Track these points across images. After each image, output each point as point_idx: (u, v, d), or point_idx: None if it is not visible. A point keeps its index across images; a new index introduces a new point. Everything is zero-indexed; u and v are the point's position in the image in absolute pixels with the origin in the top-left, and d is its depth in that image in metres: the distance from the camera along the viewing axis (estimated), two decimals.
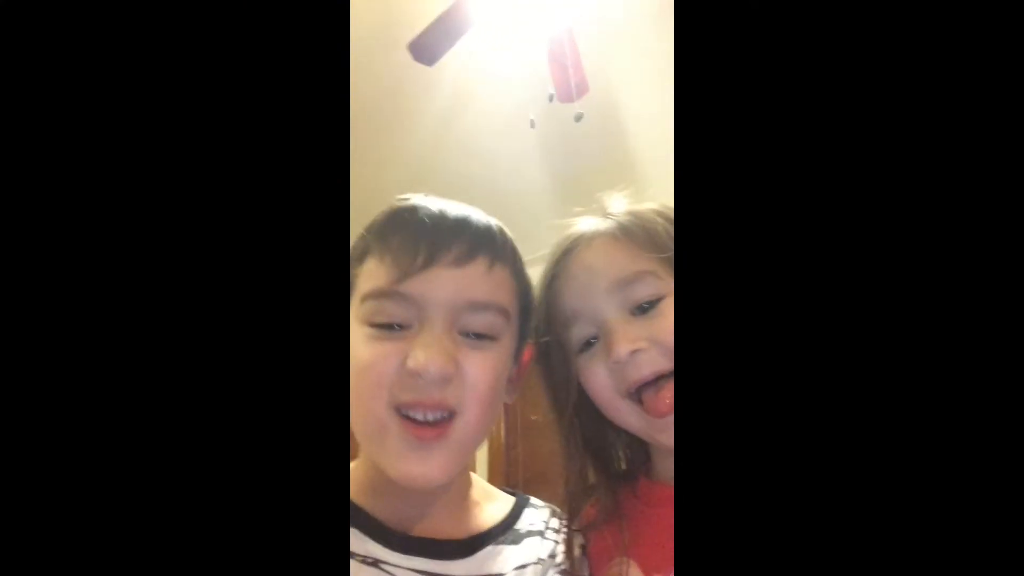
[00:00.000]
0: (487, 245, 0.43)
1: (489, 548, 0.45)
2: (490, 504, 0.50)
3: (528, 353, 0.50)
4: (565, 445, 0.50)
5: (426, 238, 0.41)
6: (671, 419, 0.43)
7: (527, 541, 0.47)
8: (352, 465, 0.48)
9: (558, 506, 0.52)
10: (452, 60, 1.64)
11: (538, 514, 0.51)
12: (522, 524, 0.49)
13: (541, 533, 0.49)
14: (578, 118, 1.55)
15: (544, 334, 0.49)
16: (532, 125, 1.65)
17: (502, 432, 2.44)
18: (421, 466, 0.40)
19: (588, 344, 0.47)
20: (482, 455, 2.42)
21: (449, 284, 0.41)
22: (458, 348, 0.41)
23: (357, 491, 0.44)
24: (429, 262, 0.40)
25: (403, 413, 0.40)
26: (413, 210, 0.43)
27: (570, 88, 1.58)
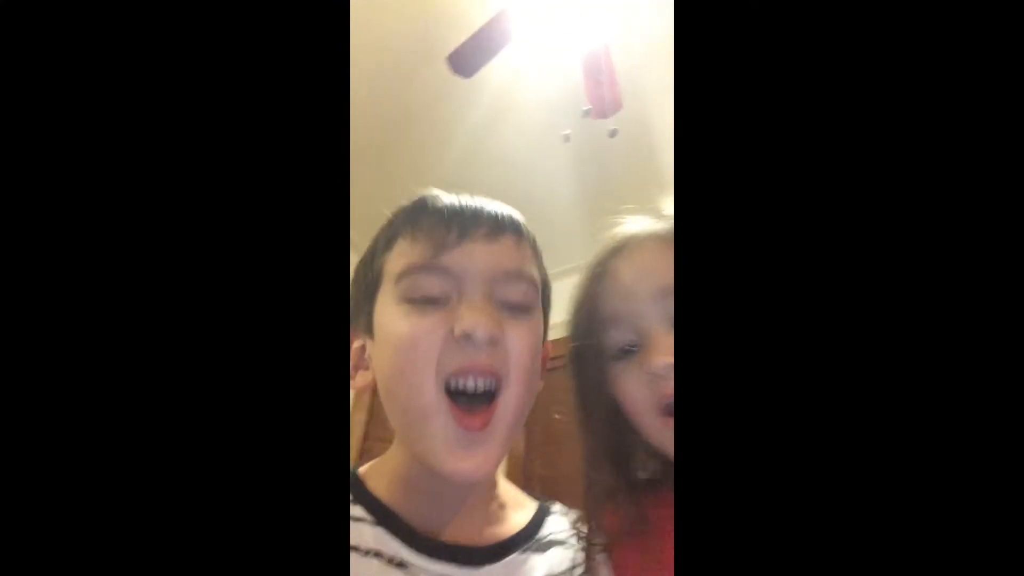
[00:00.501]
0: (511, 225, 0.45)
1: (514, 556, 0.45)
2: (515, 509, 0.50)
3: (548, 347, 0.50)
4: (587, 451, 0.48)
5: (456, 217, 0.43)
6: None
7: (552, 550, 0.47)
8: (384, 458, 0.48)
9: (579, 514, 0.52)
10: (490, 74, 1.67)
11: (561, 521, 0.50)
12: (545, 532, 0.48)
13: (564, 542, 0.48)
14: (612, 134, 1.56)
15: (581, 337, 0.48)
16: (566, 140, 1.67)
17: (521, 443, 2.42)
18: (470, 460, 0.40)
19: (625, 351, 0.45)
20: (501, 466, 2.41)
21: (484, 256, 0.42)
22: (499, 316, 0.41)
23: (387, 489, 0.45)
24: (463, 236, 0.42)
25: (452, 389, 0.40)
26: (436, 198, 0.45)
27: (605, 104, 1.58)
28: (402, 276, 0.42)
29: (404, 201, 0.48)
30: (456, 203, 0.45)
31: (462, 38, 1.52)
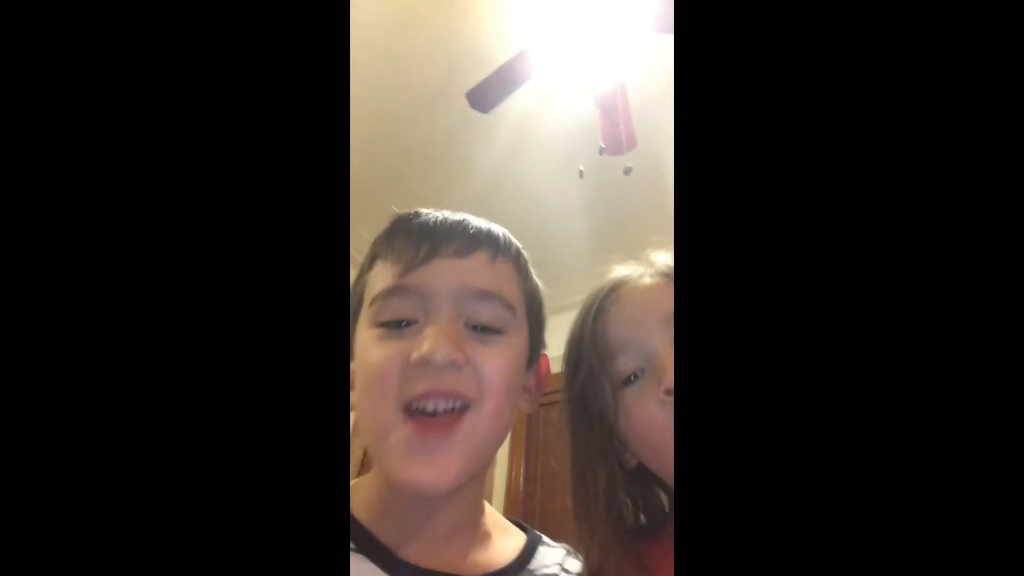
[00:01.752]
0: (488, 241, 0.44)
1: None
2: (503, 539, 0.48)
3: (545, 363, 0.50)
4: (584, 492, 0.47)
5: (429, 234, 0.42)
6: None
7: None
8: (361, 480, 0.47)
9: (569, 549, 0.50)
10: (508, 109, 1.70)
11: (553, 554, 0.49)
12: (536, 564, 0.47)
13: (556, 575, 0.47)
14: (627, 172, 1.58)
15: (578, 373, 0.48)
16: (581, 175, 1.69)
17: (520, 479, 2.39)
18: (428, 469, 0.37)
19: (633, 378, 0.45)
20: (499, 501, 2.37)
21: (452, 273, 0.41)
22: (466, 341, 0.40)
23: (367, 512, 0.43)
24: (431, 254, 0.41)
25: (413, 409, 0.39)
26: (415, 215, 0.45)
27: (619, 142, 1.61)
28: (375, 299, 0.42)
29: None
30: (432, 220, 0.44)
31: (482, 76, 1.56)
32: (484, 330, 0.41)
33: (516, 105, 1.75)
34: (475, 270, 0.42)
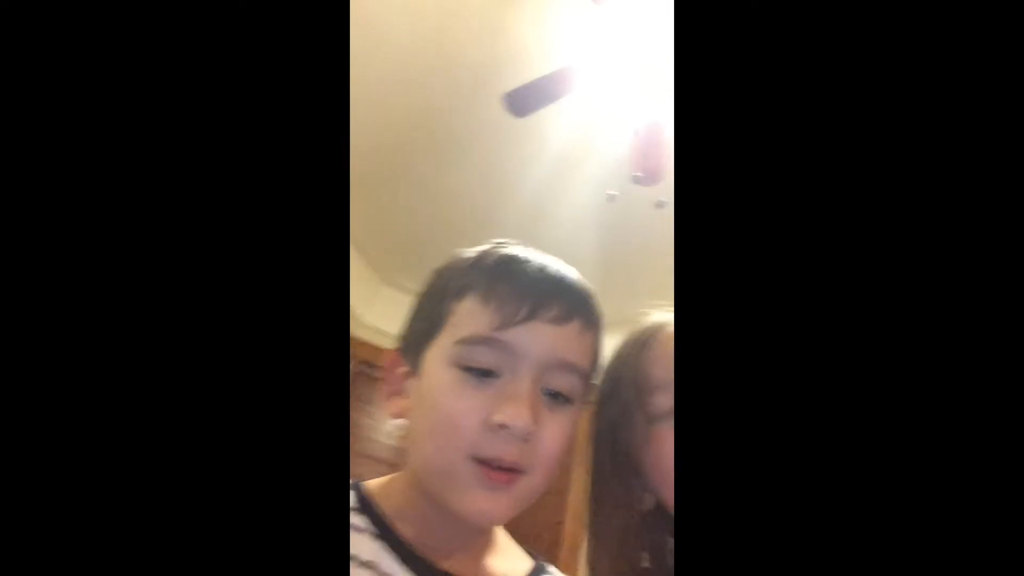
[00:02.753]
0: (583, 309, 0.44)
1: None
2: (511, 559, 0.49)
3: None
4: (599, 528, 0.47)
5: (532, 291, 0.43)
6: None
7: None
8: (394, 479, 0.48)
9: None
10: (551, 131, 1.71)
11: None
12: None
13: None
14: (660, 205, 1.56)
15: (614, 405, 0.47)
16: (611, 199, 1.68)
17: None
18: (489, 503, 0.40)
19: (664, 415, 0.45)
20: None
21: (547, 340, 0.42)
22: (540, 406, 0.42)
23: (394, 508, 0.45)
24: (532, 315, 0.42)
25: (479, 458, 0.41)
26: (519, 260, 0.45)
27: (652, 174, 1.60)
28: (462, 341, 0.42)
29: (485, 245, 0.47)
30: (536, 272, 0.44)
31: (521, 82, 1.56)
32: (556, 396, 0.43)
33: (557, 123, 1.75)
34: (568, 340, 0.43)
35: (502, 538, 0.50)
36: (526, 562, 0.50)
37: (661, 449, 0.45)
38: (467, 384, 0.41)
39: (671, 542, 0.49)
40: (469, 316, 0.42)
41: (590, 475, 0.49)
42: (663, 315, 0.51)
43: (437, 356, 0.43)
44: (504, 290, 0.42)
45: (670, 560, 0.48)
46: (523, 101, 1.56)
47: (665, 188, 1.63)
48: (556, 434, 0.42)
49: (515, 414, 0.39)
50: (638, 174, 1.62)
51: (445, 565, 0.43)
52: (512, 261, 0.44)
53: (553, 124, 1.79)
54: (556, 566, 0.51)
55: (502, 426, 0.40)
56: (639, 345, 0.48)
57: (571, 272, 0.46)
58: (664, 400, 0.46)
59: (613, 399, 0.48)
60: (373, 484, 0.48)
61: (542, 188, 2.13)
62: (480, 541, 0.47)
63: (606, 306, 0.47)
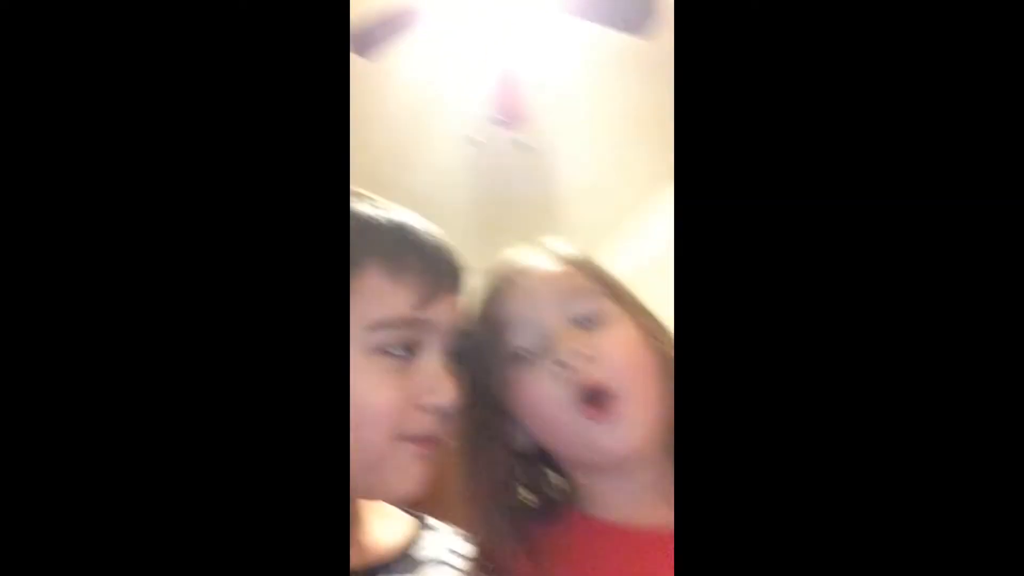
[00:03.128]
0: (463, 275, 0.44)
1: None
2: (388, 526, 0.47)
3: None
4: (472, 472, 0.47)
5: (439, 263, 0.42)
6: (616, 424, 0.42)
7: (427, 570, 0.45)
8: None
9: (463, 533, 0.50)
10: (405, 70, 1.62)
11: (441, 539, 0.48)
12: (422, 551, 0.46)
13: (444, 561, 0.46)
14: (518, 145, 1.58)
15: (468, 348, 0.47)
16: (473, 143, 1.66)
17: None
18: (421, 481, 0.41)
19: (523, 355, 0.45)
20: None
21: (452, 311, 0.42)
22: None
23: None
24: (449, 289, 0.41)
25: (407, 437, 0.40)
26: (413, 230, 0.42)
27: (513, 116, 1.60)
28: (382, 325, 0.39)
29: (367, 209, 0.41)
30: (432, 241, 0.42)
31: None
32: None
33: (412, 66, 1.67)
34: (459, 306, 0.44)
35: (378, 509, 0.48)
36: (404, 524, 0.48)
37: (522, 388, 0.45)
38: (390, 370, 0.39)
39: (553, 476, 0.50)
40: (379, 296, 0.39)
41: (458, 416, 0.49)
42: (521, 255, 0.50)
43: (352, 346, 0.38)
44: (414, 261, 0.40)
45: (551, 493, 0.49)
46: (367, 39, 1.46)
47: (528, 131, 1.64)
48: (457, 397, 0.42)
49: (446, 392, 0.40)
50: (499, 117, 1.61)
51: None
52: (406, 229, 0.42)
53: (408, 68, 1.71)
54: (437, 517, 0.51)
55: (437, 409, 0.40)
56: (494, 286, 0.48)
57: (435, 230, 0.45)
58: (516, 338, 0.45)
59: (470, 339, 0.47)
60: None
61: (399, 134, 2.04)
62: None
63: (477, 252, 0.47)
